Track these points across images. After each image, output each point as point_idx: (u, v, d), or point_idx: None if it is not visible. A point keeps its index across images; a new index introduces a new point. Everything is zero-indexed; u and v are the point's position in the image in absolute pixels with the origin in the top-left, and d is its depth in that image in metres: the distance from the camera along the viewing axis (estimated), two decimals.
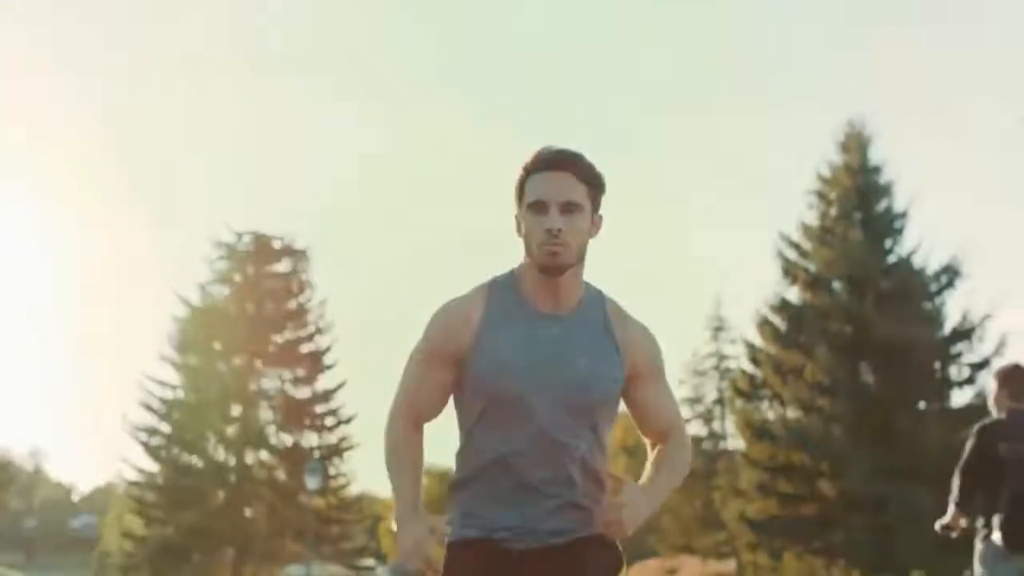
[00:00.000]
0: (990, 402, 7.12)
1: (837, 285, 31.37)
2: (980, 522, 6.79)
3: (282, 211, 76.67)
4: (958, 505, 6.87)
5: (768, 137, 77.17)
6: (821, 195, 32.70)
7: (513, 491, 3.30)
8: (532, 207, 3.27)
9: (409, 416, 3.40)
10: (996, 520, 6.64)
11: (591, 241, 3.36)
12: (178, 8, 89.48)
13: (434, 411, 3.42)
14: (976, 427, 7.00)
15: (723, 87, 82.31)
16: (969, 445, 6.93)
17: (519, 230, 3.34)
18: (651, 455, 3.46)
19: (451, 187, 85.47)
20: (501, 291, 3.36)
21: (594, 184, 3.32)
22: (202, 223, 77.04)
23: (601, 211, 3.39)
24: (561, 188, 3.26)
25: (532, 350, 3.27)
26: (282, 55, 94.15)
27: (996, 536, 6.65)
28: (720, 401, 43.05)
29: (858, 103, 72.72)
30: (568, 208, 3.25)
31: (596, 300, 3.38)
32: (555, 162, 3.29)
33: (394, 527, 3.28)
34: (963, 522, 6.89)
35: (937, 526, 7.01)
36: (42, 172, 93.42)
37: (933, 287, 31.36)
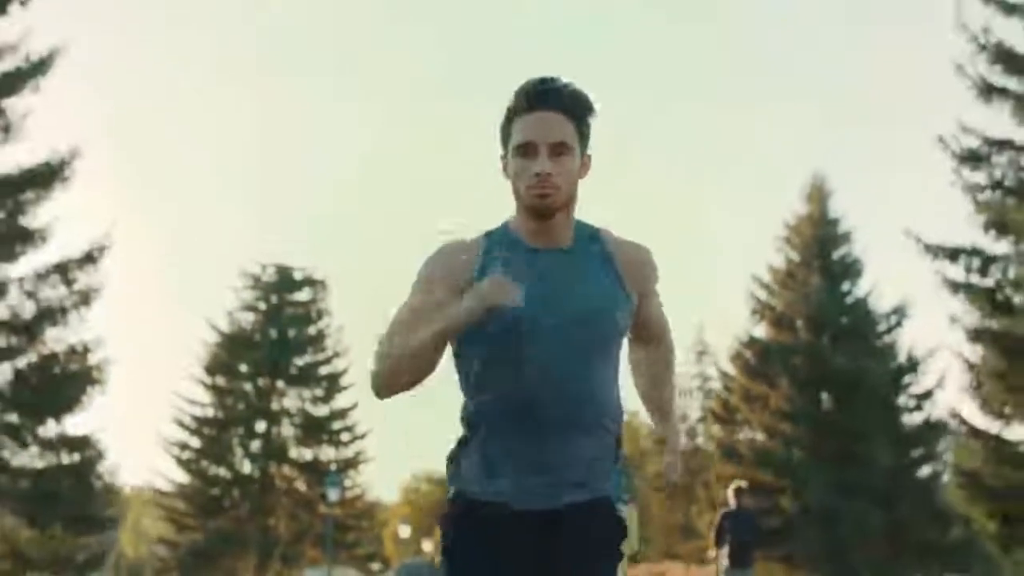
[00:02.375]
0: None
1: (799, 323, 37.13)
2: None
3: (305, 244, 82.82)
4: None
5: (762, 150, 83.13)
6: (787, 240, 38.48)
7: (522, 432, 3.22)
8: (519, 149, 3.25)
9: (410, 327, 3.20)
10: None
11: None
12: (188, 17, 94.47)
13: (437, 356, 3.21)
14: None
15: (720, 94, 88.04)
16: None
17: (505, 172, 3.32)
18: (633, 350, 3.61)
19: (467, 210, 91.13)
20: (497, 235, 3.35)
21: (584, 119, 3.29)
22: (221, 249, 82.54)
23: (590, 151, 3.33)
24: (550, 129, 3.23)
25: (535, 284, 3.23)
26: (291, 70, 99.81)
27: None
28: (704, 419, 48.81)
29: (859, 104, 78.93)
30: (557, 150, 3.23)
31: (592, 233, 3.38)
32: (543, 100, 3.25)
33: (463, 308, 3.11)
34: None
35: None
36: None
37: (884, 325, 37.12)
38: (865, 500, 34.14)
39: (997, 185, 21.20)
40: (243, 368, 44.04)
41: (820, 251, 37.64)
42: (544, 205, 3.24)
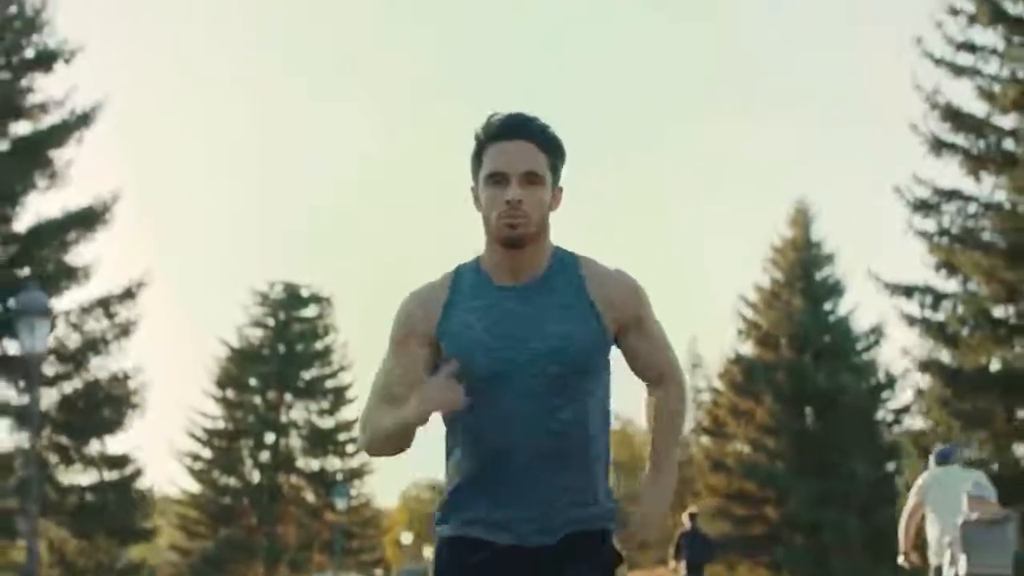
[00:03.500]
0: None
1: (783, 342, 40.16)
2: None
3: (312, 262, 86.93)
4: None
5: (760, 164, 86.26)
6: (773, 262, 41.51)
7: (498, 477, 3.27)
8: (491, 178, 3.26)
9: (385, 402, 3.33)
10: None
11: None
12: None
13: (411, 391, 3.27)
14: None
15: (719, 105, 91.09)
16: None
17: (476, 203, 3.33)
18: (648, 403, 3.51)
19: (470, 216, 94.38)
20: (465, 273, 3.36)
21: (555, 153, 3.32)
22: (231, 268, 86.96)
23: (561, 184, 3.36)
24: (521, 158, 3.25)
25: (496, 325, 3.26)
26: (300, 83, 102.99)
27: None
28: (695, 431, 51.86)
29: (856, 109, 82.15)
30: (529, 179, 3.24)
31: (568, 263, 3.36)
32: (514, 130, 3.28)
33: (412, 411, 3.14)
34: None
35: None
36: None
37: (863, 344, 40.17)
38: (845, 509, 37.11)
39: (944, 232, 24.23)
40: (252, 382, 46.97)
41: (803, 273, 40.67)
42: (515, 235, 3.24)
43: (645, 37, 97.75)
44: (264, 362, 47.11)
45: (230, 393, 47.09)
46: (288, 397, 47.24)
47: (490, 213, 3.27)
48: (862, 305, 40.53)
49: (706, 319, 78.69)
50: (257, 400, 47.11)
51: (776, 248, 41.70)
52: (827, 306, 40.84)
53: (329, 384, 47.83)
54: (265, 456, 46.69)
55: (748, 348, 41.37)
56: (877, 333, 40.12)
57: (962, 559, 9.99)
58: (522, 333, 3.26)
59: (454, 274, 3.38)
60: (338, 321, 49.21)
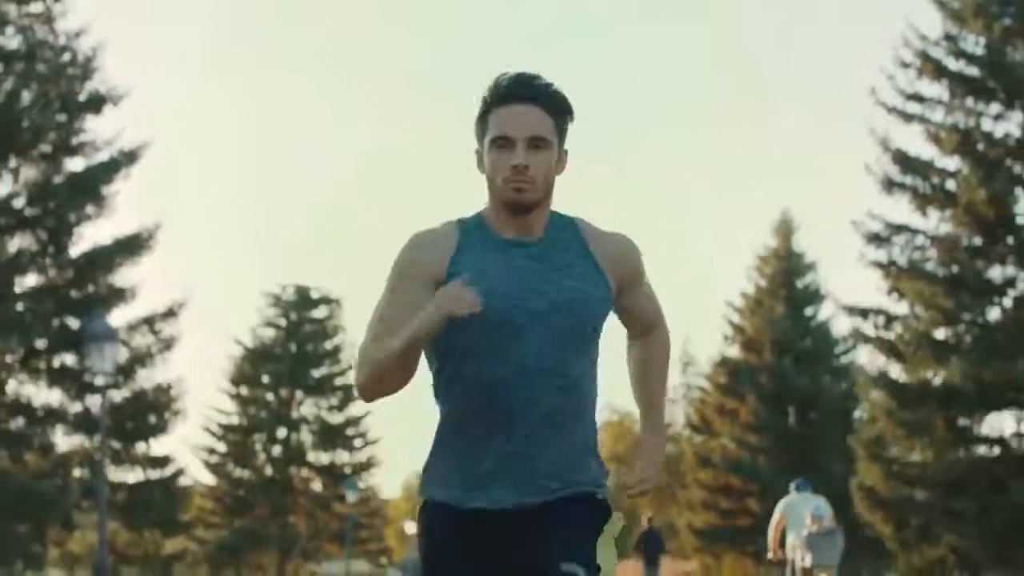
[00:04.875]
0: None
1: (766, 346, 44.32)
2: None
3: (327, 265, 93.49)
4: None
5: (757, 162, 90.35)
6: (757, 269, 45.67)
7: (498, 427, 3.30)
8: (496, 142, 3.32)
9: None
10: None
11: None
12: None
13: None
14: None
15: (720, 105, 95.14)
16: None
17: (480, 166, 3.39)
18: (632, 347, 3.64)
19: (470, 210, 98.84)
20: (471, 227, 3.41)
21: (562, 115, 3.37)
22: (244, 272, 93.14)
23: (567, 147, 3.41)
24: (528, 122, 3.30)
25: (512, 274, 3.32)
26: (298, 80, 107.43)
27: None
28: (685, 428, 56.16)
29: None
30: (535, 143, 3.30)
31: (568, 224, 3.45)
32: (520, 93, 3.33)
33: (425, 317, 3.21)
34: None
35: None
36: None
37: (841, 348, 44.34)
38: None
39: (893, 263, 28.29)
40: (265, 379, 50.54)
41: (785, 281, 44.82)
42: (520, 199, 3.30)
43: (643, 37, 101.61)
44: (276, 361, 50.60)
45: (244, 390, 50.64)
46: (299, 394, 50.72)
47: (495, 177, 3.33)
48: (841, 312, 44.57)
49: (701, 321, 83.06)
50: (270, 397, 50.66)
51: (761, 257, 45.85)
52: (807, 312, 45.01)
53: (338, 382, 51.27)
54: (277, 450, 50.26)
55: (734, 351, 45.55)
56: (856, 336, 44.24)
57: (808, 556, 15.51)
58: (538, 284, 3.32)
59: (458, 224, 3.43)
60: (346, 321, 53.09)
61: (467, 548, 3.39)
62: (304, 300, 52.01)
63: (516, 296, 3.31)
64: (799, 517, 16.07)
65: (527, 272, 3.35)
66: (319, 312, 52.15)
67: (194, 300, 71.26)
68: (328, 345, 51.91)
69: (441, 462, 3.43)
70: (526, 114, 3.32)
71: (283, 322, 51.76)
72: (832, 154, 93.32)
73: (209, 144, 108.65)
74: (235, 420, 50.43)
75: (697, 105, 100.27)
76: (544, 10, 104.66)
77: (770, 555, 16.59)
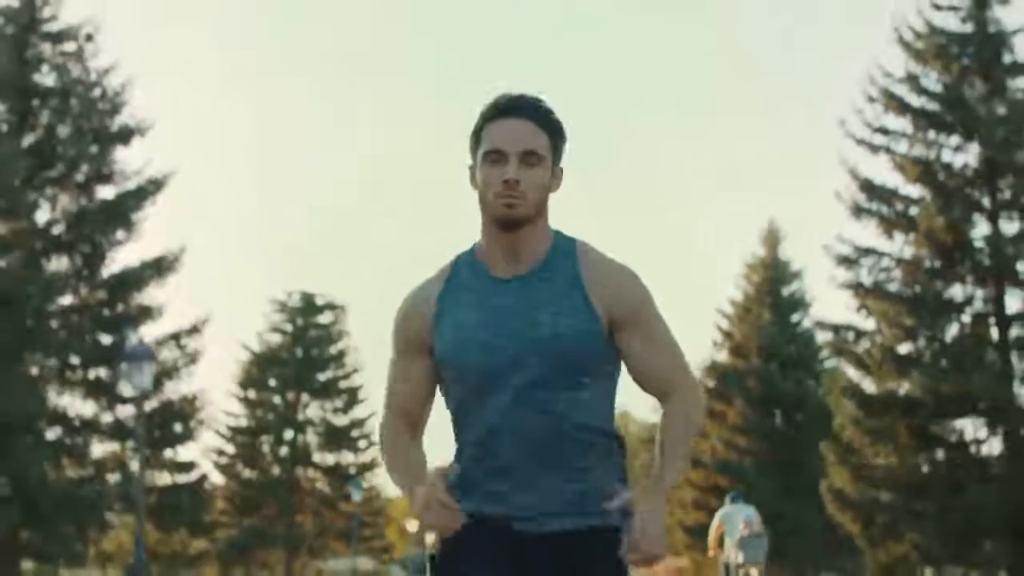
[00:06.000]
0: None
1: (753, 352, 47.69)
2: None
3: (331, 272, 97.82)
4: None
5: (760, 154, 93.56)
6: (745, 277, 49.06)
7: (501, 470, 3.41)
8: (489, 156, 3.36)
9: (398, 417, 3.57)
10: None
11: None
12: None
13: (421, 406, 3.57)
14: None
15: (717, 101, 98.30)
16: None
17: (472, 181, 3.44)
18: (660, 422, 3.48)
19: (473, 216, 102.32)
20: (462, 264, 3.50)
21: (556, 133, 3.42)
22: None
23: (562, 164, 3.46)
24: (521, 137, 3.35)
25: (489, 319, 3.39)
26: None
27: None
28: None
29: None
30: (528, 159, 3.34)
31: (567, 248, 3.46)
32: (514, 108, 3.39)
33: (413, 509, 3.38)
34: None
35: None
36: None
37: (825, 354, 47.70)
38: (805, 502, 44.61)
39: (860, 284, 31.59)
40: (272, 383, 53.54)
41: (771, 289, 48.23)
42: (510, 215, 3.34)
43: (643, 35, 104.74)
44: (283, 365, 53.42)
45: (252, 393, 53.49)
46: (305, 397, 53.65)
47: (486, 192, 3.37)
48: (831, 313, 47.91)
49: (692, 328, 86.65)
50: (277, 400, 53.49)
51: (749, 265, 49.27)
52: (793, 319, 48.42)
53: (343, 385, 54.37)
54: (284, 451, 53.17)
55: (723, 356, 48.97)
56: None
57: (740, 554, 19.33)
58: (513, 328, 3.36)
59: (451, 266, 3.51)
60: (350, 327, 56.40)
61: (477, 556, 3.45)
62: (309, 306, 54.92)
63: (491, 345, 3.38)
64: (734, 524, 19.88)
65: (504, 316, 3.40)
66: (324, 318, 55.11)
67: (194, 299, 75.26)
68: (333, 350, 54.75)
69: (456, 485, 3.49)
70: (520, 128, 3.37)
71: (289, 327, 54.60)
72: (824, 163, 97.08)
73: (214, 155, 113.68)
74: (243, 422, 53.18)
75: (696, 103, 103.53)
76: (546, 15, 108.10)
77: (711, 553, 20.50)
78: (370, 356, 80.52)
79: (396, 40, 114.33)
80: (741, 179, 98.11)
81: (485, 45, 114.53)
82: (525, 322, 3.39)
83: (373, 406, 55.72)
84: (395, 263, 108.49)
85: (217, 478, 52.39)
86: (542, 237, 3.46)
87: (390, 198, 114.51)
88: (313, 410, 54.26)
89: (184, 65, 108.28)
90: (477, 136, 3.44)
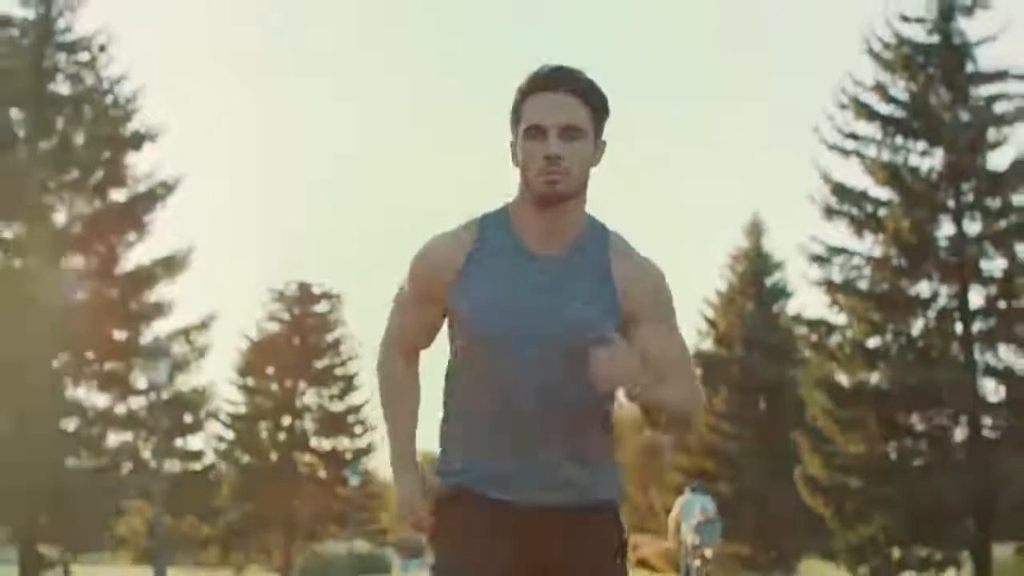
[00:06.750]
0: None
1: (737, 340, 50.30)
2: None
3: (326, 261, 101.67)
4: None
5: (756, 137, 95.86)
6: (730, 268, 51.69)
7: (504, 440, 3.48)
8: (529, 132, 3.40)
9: (400, 347, 3.70)
10: None
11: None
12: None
13: (425, 343, 3.72)
14: None
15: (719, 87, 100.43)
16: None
17: (514, 159, 3.47)
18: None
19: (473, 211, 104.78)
20: (492, 228, 3.53)
21: (598, 106, 3.45)
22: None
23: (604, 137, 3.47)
24: (562, 110, 3.38)
25: (520, 294, 3.44)
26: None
27: None
28: None
29: None
30: (569, 133, 3.38)
31: (599, 235, 3.53)
32: (555, 82, 3.41)
33: (391, 474, 3.54)
34: None
35: None
36: None
37: (811, 338, 50.27)
38: (788, 485, 47.21)
39: (831, 283, 34.15)
40: (270, 371, 55.48)
41: (755, 280, 50.86)
42: (553, 192, 3.37)
43: (634, 29, 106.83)
44: (280, 353, 55.41)
45: (250, 381, 55.72)
46: (302, 384, 55.47)
47: (529, 168, 3.41)
48: (807, 308, 50.60)
49: (680, 317, 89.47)
50: (274, 387, 55.48)
51: (733, 256, 51.90)
52: (775, 309, 51.06)
53: (339, 372, 56.22)
54: (282, 437, 55.17)
55: (708, 345, 51.64)
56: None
57: (697, 538, 22.25)
58: (547, 307, 3.43)
59: (479, 227, 3.55)
60: (346, 316, 58.80)
61: (477, 528, 3.52)
62: (306, 295, 56.84)
63: (520, 319, 3.44)
64: (691, 511, 22.83)
65: (537, 293, 3.46)
66: (321, 307, 57.05)
67: (202, 295, 78.08)
68: (329, 338, 56.55)
69: (452, 446, 3.62)
70: (560, 102, 3.40)
71: (287, 316, 56.98)
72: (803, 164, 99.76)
73: (213, 153, 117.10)
74: (242, 409, 55.23)
75: (699, 81, 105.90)
76: (545, 15, 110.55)
77: (669, 536, 23.65)
78: (365, 343, 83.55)
79: (397, 36, 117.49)
80: (727, 175, 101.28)
81: (485, 43, 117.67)
82: (553, 302, 3.46)
83: (368, 393, 57.87)
84: (389, 255, 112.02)
85: (218, 464, 54.82)
86: (579, 216, 3.53)
87: (385, 190, 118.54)
88: (310, 397, 56.03)
89: (186, 67, 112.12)
90: (517, 112, 3.49)
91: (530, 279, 3.48)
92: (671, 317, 3.60)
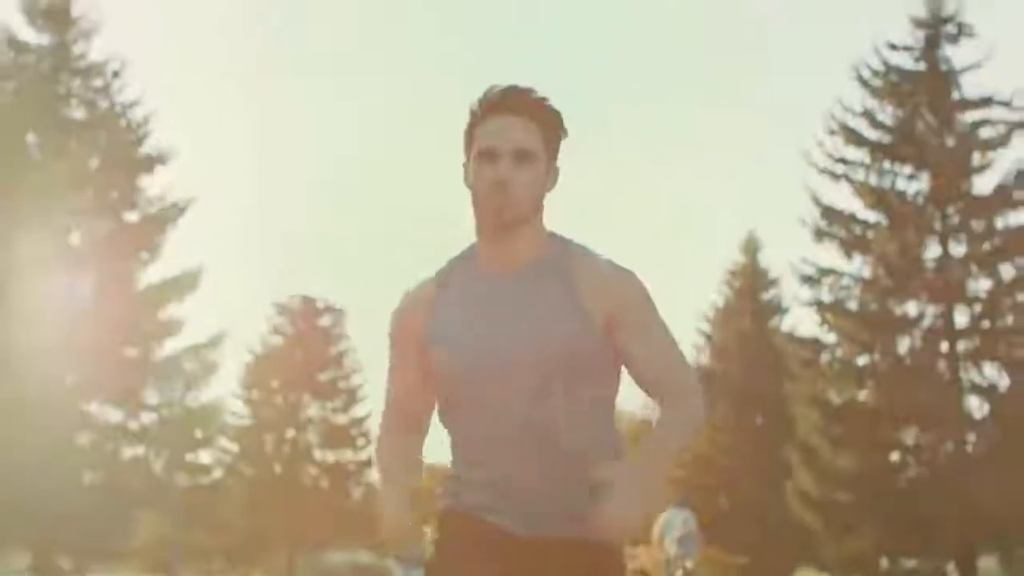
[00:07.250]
0: None
1: (734, 355, 51.80)
2: None
3: (329, 276, 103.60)
4: None
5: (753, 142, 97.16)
6: (727, 283, 53.22)
7: (493, 476, 3.49)
8: (480, 155, 3.37)
9: (397, 420, 3.72)
10: None
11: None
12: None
13: (422, 402, 3.69)
14: None
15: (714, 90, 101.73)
16: None
17: (467, 181, 3.43)
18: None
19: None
20: (456, 264, 3.55)
21: (551, 127, 3.41)
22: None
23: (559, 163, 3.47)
24: (512, 134, 3.35)
25: (478, 322, 3.45)
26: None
27: None
28: None
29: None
30: (520, 157, 3.34)
31: (561, 253, 3.48)
32: (506, 104, 3.37)
33: (383, 522, 3.60)
34: None
35: None
36: None
37: (803, 356, 51.86)
38: (784, 498, 48.73)
39: (820, 303, 35.72)
40: (274, 384, 56.80)
41: (751, 295, 52.40)
42: (501, 221, 3.37)
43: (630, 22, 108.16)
44: (285, 366, 56.78)
45: (255, 394, 57.11)
46: (306, 397, 56.79)
47: (478, 193, 3.40)
48: (800, 325, 52.20)
49: (677, 332, 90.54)
50: (278, 400, 56.67)
51: (730, 271, 53.47)
52: (771, 324, 52.60)
53: (342, 385, 57.49)
54: (286, 450, 56.41)
55: (705, 359, 53.19)
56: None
57: (679, 550, 23.92)
58: (503, 329, 3.42)
59: (449, 265, 3.57)
60: (349, 329, 60.07)
61: (469, 552, 3.54)
62: (310, 309, 58.25)
63: (481, 347, 3.44)
64: (673, 524, 24.39)
65: (494, 317, 3.46)
66: (324, 320, 58.49)
67: (211, 312, 79.79)
68: (332, 351, 58.05)
69: (452, 484, 3.66)
70: (512, 126, 3.37)
71: (290, 330, 58.53)
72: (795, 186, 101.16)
73: (217, 167, 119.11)
74: (246, 422, 56.39)
75: (700, 87, 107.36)
76: (545, 16, 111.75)
77: (654, 549, 25.04)
78: (368, 357, 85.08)
79: (402, 42, 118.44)
80: (726, 191, 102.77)
81: (485, 43, 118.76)
82: (515, 325, 3.43)
83: (371, 405, 59.20)
84: (392, 269, 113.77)
85: (225, 477, 55.96)
86: (536, 238, 3.49)
87: (393, 205, 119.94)
88: (314, 410, 57.29)
89: (196, 91, 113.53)
90: (469, 134, 3.45)
91: (489, 306, 3.49)
92: (647, 313, 3.56)
